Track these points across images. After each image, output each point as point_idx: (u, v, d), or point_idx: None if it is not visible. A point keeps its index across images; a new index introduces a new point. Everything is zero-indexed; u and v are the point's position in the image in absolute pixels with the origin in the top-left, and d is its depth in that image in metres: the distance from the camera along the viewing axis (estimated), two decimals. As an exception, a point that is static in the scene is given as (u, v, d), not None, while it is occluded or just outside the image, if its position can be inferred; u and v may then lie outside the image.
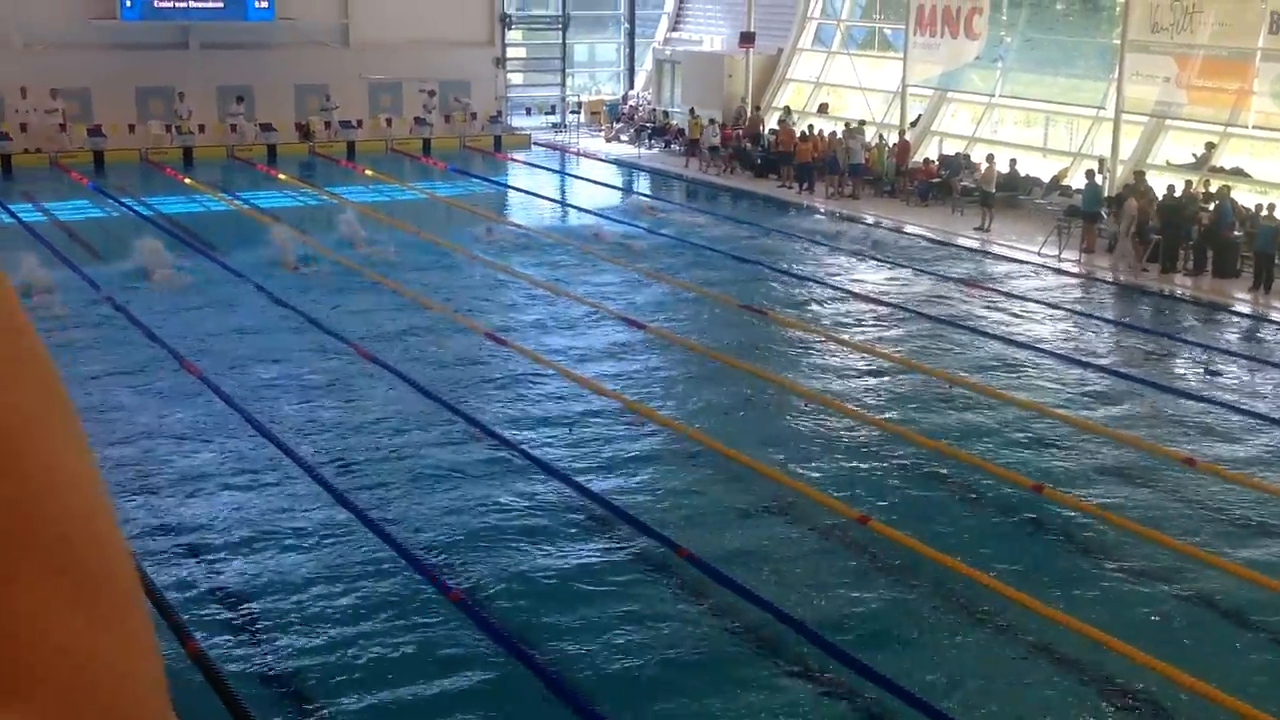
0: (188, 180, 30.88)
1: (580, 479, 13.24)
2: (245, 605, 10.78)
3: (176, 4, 33.87)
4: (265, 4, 34.51)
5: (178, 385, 16.09)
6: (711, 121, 34.30)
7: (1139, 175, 25.39)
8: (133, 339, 17.93)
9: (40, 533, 0.56)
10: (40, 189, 29.33)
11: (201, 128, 34.05)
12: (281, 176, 31.60)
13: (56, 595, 0.55)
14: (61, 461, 0.59)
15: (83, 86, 33.08)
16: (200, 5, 34.11)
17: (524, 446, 14.10)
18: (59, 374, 0.62)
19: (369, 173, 32.35)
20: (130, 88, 33.64)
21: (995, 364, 17.81)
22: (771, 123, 34.43)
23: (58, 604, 0.55)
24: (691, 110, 35.91)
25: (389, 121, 36.61)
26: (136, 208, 27.54)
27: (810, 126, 32.96)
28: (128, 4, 33.28)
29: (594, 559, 11.69)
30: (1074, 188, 26.93)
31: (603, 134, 38.94)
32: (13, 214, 26.22)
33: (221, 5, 34.20)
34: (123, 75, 33.52)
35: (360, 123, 35.82)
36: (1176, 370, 18.32)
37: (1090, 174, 25.68)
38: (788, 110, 35.16)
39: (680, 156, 34.95)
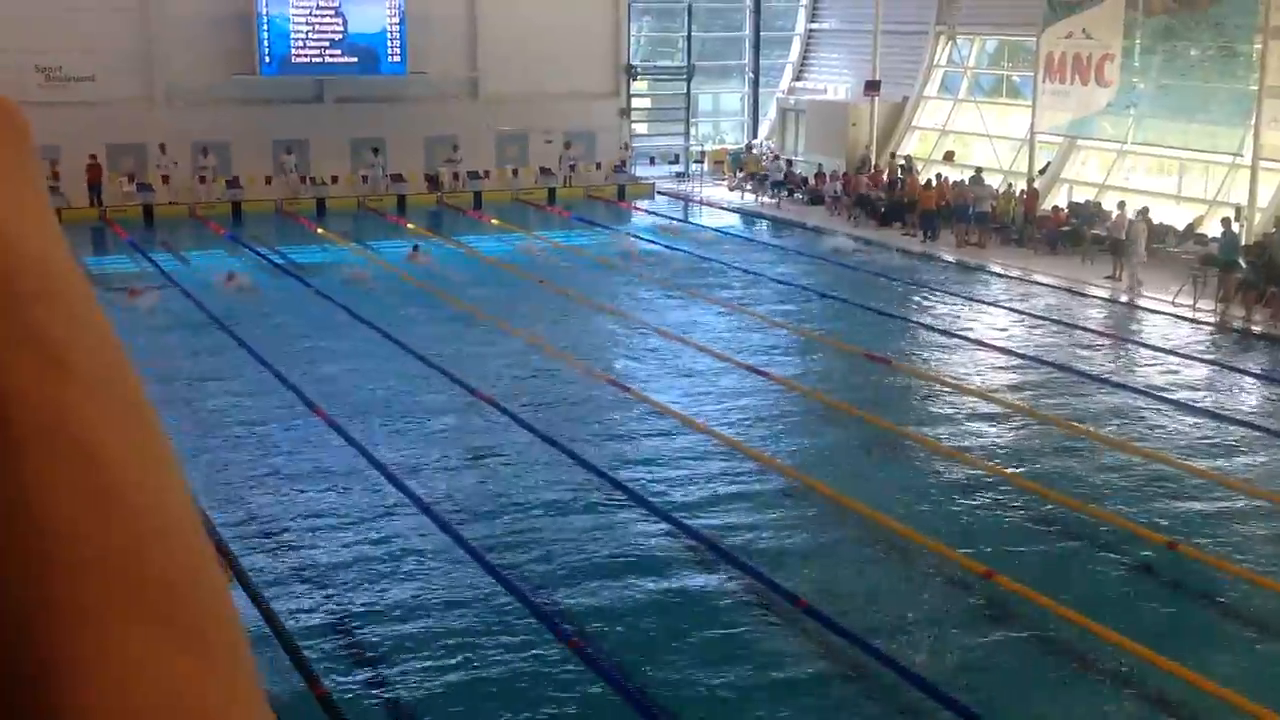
0: (320, 230, 31.64)
1: (702, 528, 13.18)
2: (369, 648, 10.92)
3: (313, 60, 34.92)
4: (398, 59, 35.39)
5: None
6: (776, 158, 35.61)
7: None
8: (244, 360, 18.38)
9: (146, 580, 0.57)
10: (179, 238, 30.31)
11: (334, 179, 34.96)
12: (410, 226, 32.22)
13: (164, 643, 0.56)
14: (167, 509, 0.60)
15: (223, 140, 34.21)
16: (336, 60, 35.11)
17: (645, 494, 14.09)
18: (159, 420, 0.63)
19: (495, 222, 32.85)
20: (267, 141, 34.67)
21: (1127, 415, 17.37)
22: (885, 170, 34.32)
23: (167, 652, 0.56)
24: (748, 146, 38.77)
25: (515, 172, 37.17)
26: (270, 256, 28.28)
27: (937, 175, 32.68)
28: (266, 60, 34.40)
29: (712, 607, 11.60)
30: (1210, 236, 26.24)
31: (725, 183, 39.05)
32: (153, 261, 27.10)
33: (355, 60, 35.15)
34: (260, 129, 34.58)
35: (487, 173, 36.43)
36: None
37: (1226, 222, 25.02)
38: (909, 159, 34.94)
39: (805, 206, 34.89)
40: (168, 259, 27.69)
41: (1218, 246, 24.89)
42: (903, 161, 34.77)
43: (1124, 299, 24.71)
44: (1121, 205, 27.22)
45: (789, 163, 37.71)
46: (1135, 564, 12.66)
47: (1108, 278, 26.15)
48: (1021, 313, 23.81)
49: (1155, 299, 24.51)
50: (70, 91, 32.42)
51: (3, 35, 28.78)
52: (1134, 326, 22.94)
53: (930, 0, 36.08)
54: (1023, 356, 20.51)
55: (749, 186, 37.69)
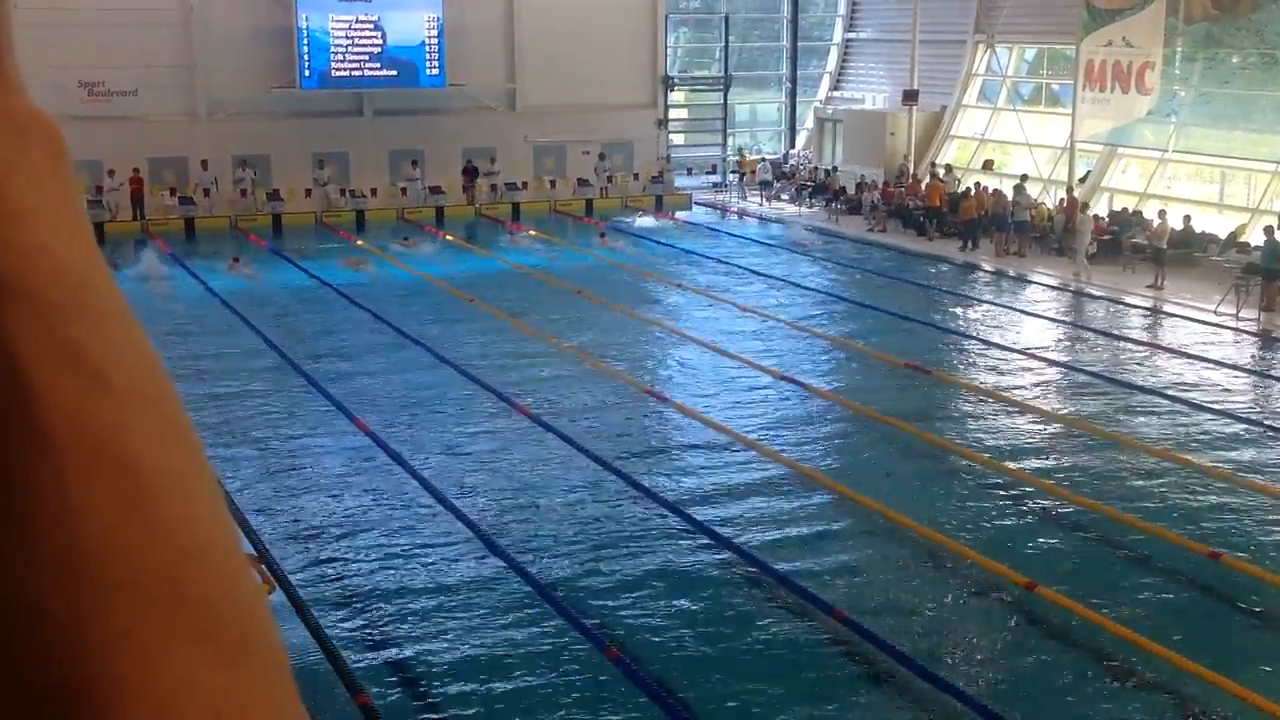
0: (359, 242, 31.81)
1: (741, 541, 13.16)
2: (408, 657, 10.96)
3: (353, 73, 35.17)
4: (436, 71, 35.58)
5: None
6: (764, 159, 37.65)
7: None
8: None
9: (187, 598, 0.57)
10: (220, 251, 30.55)
11: (374, 191, 35.18)
12: (449, 237, 32.37)
13: (205, 660, 0.56)
14: (206, 525, 0.60)
15: (263, 153, 34.50)
16: (375, 73, 35.34)
17: (680, 505, 14.08)
18: (197, 434, 0.63)
19: (532, 233, 32.95)
20: (307, 154, 34.92)
21: (1169, 424, 17.20)
22: (926, 179, 34.17)
23: (209, 669, 0.56)
24: (740, 150, 40.38)
25: (553, 183, 37.28)
26: (310, 268, 28.45)
27: (977, 183, 32.51)
28: (306, 74, 34.67)
29: (749, 619, 11.58)
30: (1252, 244, 26.00)
31: (760, 193, 38.94)
32: (194, 274, 27.34)
33: (395, 73, 35.37)
34: (300, 142, 34.85)
35: (525, 184, 36.56)
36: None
37: (1269, 230, 24.78)
38: (948, 168, 34.79)
39: (844, 214, 34.80)
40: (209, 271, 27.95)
41: (1260, 255, 24.66)
42: (941, 170, 34.63)
43: (1073, 286, 26.44)
44: (1162, 214, 27.02)
45: (828, 173, 37.61)
46: (1178, 575, 12.53)
47: (1149, 286, 25.95)
48: (1062, 321, 23.65)
49: (1196, 307, 24.29)
50: (113, 106, 32.80)
51: (46, 50, 29.09)
52: (1176, 335, 22.73)
53: (968, 9, 35.96)
54: (1064, 366, 20.38)
55: (785, 197, 37.64)
